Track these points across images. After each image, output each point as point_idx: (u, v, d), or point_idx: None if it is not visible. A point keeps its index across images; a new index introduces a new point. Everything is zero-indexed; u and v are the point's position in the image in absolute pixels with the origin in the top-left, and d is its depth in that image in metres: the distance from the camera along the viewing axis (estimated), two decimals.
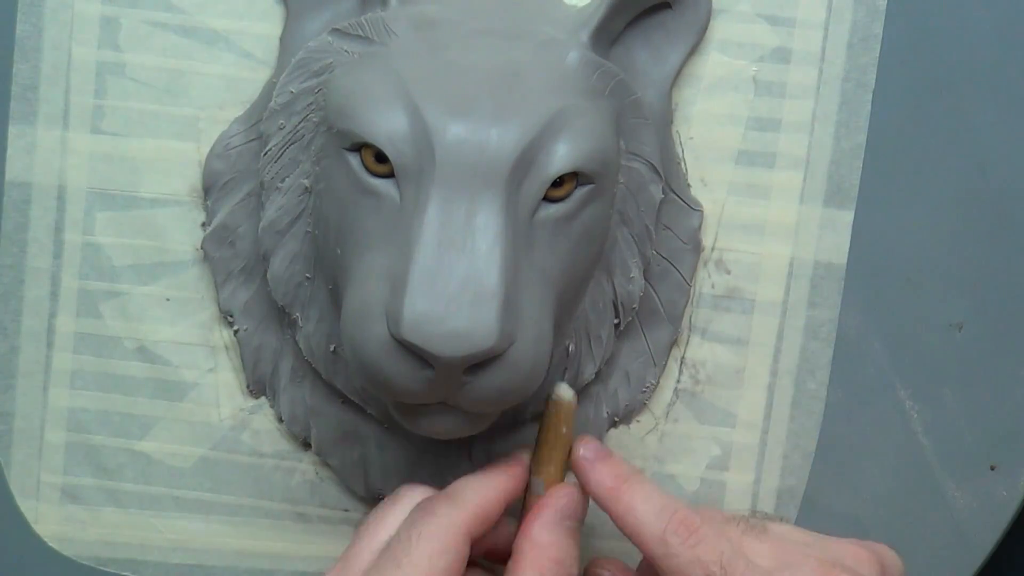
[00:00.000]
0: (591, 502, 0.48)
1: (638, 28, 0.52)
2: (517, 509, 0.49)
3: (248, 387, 0.55)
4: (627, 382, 0.55)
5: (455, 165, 0.45)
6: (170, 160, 0.54)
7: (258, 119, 0.52)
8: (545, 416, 0.49)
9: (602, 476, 0.47)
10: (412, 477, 0.54)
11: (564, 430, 0.49)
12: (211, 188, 0.53)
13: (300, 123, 0.51)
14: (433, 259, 0.44)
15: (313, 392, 0.54)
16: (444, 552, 0.44)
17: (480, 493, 0.46)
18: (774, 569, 0.45)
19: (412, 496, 0.47)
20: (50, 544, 0.55)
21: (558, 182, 0.47)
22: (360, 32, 0.49)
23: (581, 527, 0.48)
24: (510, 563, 0.46)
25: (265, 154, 0.51)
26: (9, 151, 0.53)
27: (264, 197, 0.52)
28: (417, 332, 0.43)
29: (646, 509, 0.46)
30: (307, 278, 0.52)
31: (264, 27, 0.53)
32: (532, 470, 0.49)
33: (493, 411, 0.48)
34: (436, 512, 0.45)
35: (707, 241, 0.55)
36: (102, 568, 0.56)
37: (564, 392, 0.49)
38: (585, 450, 0.48)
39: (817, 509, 0.56)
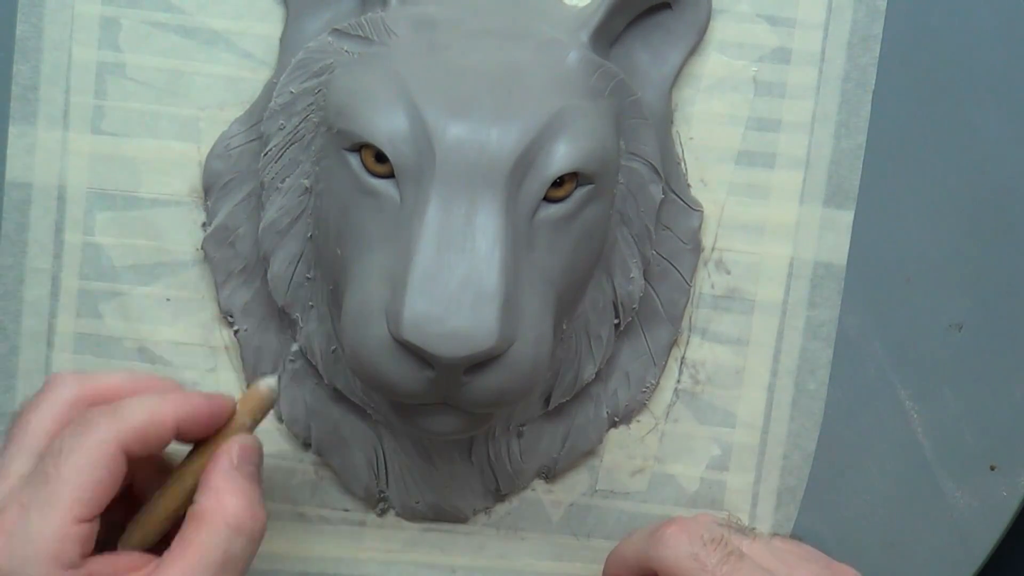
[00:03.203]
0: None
1: (638, 28, 0.52)
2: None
3: (248, 387, 0.55)
4: (627, 382, 0.55)
5: (455, 165, 0.45)
6: (170, 160, 0.54)
7: (258, 119, 0.52)
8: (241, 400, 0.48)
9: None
10: (412, 478, 0.54)
11: (245, 421, 0.47)
12: (211, 188, 0.53)
13: (300, 123, 0.51)
14: (433, 259, 0.44)
15: (313, 392, 0.54)
16: (94, 467, 0.43)
17: (147, 412, 0.44)
18: None
19: (60, 391, 0.46)
20: None
21: (558, 182, 0.47)
22: (360, 32, 0.49)
23: (260, 472, 0.47)
24: (190, 510, 0.45)
25: (265, 154, 0.51)
26: (9, 151, 0.53)
27: (264, 197, 0.52)
28: (417, 332, 0.43)
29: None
30: (307, 278, 0.52)
31: (264, 27, 0.53)
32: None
33: (493, 411, 0.48)
34: (92, 423, 0.44)
35: (707, 241, 0.55)
36: None
37: (268, 383, 0.47)
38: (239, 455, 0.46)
39: (817, 509, 0.56)
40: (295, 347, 0.53)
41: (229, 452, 0.46)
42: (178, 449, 0.47)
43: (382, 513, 0.56)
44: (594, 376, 0.54)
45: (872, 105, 0.54)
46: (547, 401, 0.54)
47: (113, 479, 0.43)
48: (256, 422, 0.47)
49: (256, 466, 0.47)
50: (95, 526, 0.43)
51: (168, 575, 0.43)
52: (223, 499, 0.44)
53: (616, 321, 0.53)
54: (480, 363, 0.44)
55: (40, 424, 0.45)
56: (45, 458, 0.43)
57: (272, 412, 0.55)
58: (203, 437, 0.46)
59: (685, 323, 0.55)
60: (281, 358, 0.54)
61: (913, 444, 0.56)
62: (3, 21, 0.53)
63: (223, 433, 0.46)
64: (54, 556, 0.42)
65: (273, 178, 0.51)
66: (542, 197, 0.47)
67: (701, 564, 0.49)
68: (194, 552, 0.44)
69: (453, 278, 0.44)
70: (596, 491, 0.56)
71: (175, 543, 0.44)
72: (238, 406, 0.47)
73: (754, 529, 0.54)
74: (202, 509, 0.44)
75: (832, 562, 0.52)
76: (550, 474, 0.56)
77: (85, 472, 0.43)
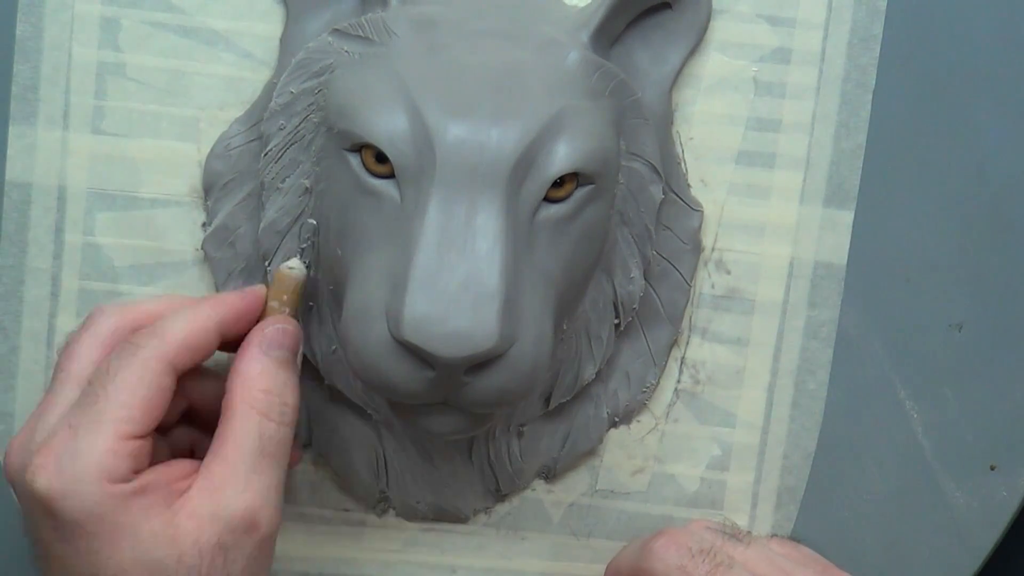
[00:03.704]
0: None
1: (638, 28, 0.52)
2: None
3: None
4: (627, 382, 0.55)
5: (455, 166, 0.45)
6: (170, 160, 0.54)
7: (258, 120, 0.52)
8: (270, 288, 0.48)
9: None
10: (412, 478, 0.54)
11: (275, 304, 0.48)
12: (211, 188, 0.53)
13: (300, 124, 0.51)
14: (434, 260, 0.44)
15: (313, 393, 0.54)
16: (143, 384, 0.43)
17: (187, 323, 0.45)
18: None
19: (102, 320, 0.46)
20: None
21: (558, 182, 0.47)
22: (360, 32, 0.49)
23: (295, 357, 0.47)
24: (224, 400, 0.45)
25: (265, 154, 0.51)
26: (9, 151, 0.53)
27: (264, 198, 0.52)
28: (417, 333, 0.43)
29: None
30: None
31: (264, 27, 0.53)
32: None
33: (494, 411, 0.48)
34: (138, 344, 0.44)
35: (707, 241, 0.55)
36: None
37: (291, 263, 0.48)
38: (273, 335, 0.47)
39: (817, 509, 0.56)
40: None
41: (259, 335, 0.46)
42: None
43: (382, 513, 0.56)
44: (594, 376, 0.54)
45: (872, 105, 0.54)
46: (547, 401, 0.54)
47: (161, 395, 0.44)
48: (291, 305, 0.48)
49: (289, 349, 0.47)
50: (147, 443, 0.44)
51: (211, 474, 0.44)
52: (250, 386, 0.45)
53: (616, 321, 0.53)
54: (480, 363, 0.44)
55: (85, 353, 0.45)
56: (92, 382, 0.44)
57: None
58: (245, 334, 0.47)
59: (685, 323, 0.55)
60: None
61: (913, 444, 0.56)
62: (3, 21, 0.53)
63: (258, 323, 0.47)
64: (103, 471, 0.42)
65: (273, 178, 0.51)
66: (542, 197, 0.47)
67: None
68: (230, 447, 0.44)
69: (453, 278, 0.44)
70: (596, 491, 0.56)
71: (213, 440, 0.45)
72: (268, 294, 0.48)
73: (749, 533, 0.54)
74: (230, 398, 0.45)
75: (829, 566, 0.52)
76: (550, 474, 0.56)
77: (131, 390, 0.43)
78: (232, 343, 0.47)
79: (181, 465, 0.45)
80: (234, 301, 0.47)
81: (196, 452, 0.48)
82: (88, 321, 0.47)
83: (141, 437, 0.43)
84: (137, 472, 0.43)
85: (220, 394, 0.46)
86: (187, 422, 0.49)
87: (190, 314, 0.46)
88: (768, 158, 0.54)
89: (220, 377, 0.48)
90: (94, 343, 0.46)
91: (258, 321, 0.48)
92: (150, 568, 0.42)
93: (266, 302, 0.48)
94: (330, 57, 0.50)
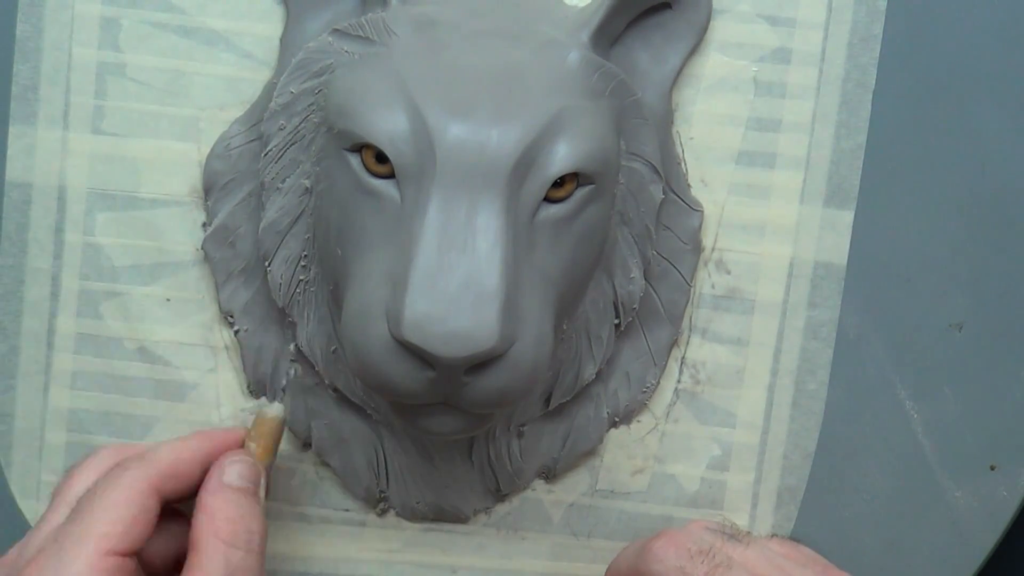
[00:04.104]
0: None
1: (638, 28, 0.52)
2: None
3: (248, 387, 0.55)
4: (627, 382, 0.55)
5: (456, 166, 0.45)
6: (170, 160, 0.54)
7: (258, 120, 0.52)
8: (251, 428, 0.49)
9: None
10: (412, 478, 0.55)
11: (253, 446, 0.49)
12: (211, 188, 0.53)
13: (301, 124, 0.51)
14: (434, 260, 0.44)
15: (313, 392, 0.54)
16: (127, 504, 0.44)
17: (173, 452, 0.47)
18: None
19: (106, 453, 0.48)
20: None
21: (559, 183, 0.47)
22: (360, 33, 0.49)
23: (258, 487, 0.48)
24: (191, 533, 0.46)
25: (265, 155, 0.51)
26: (9, 151, 0.53)
27: (264, 198, 0.52)
28: (418, 333, 0.43)
29: None
30: (307, 279, 0.52)
31: (264, 28, 0.53)
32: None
33: (494, 411, 0.48)
34: (125, 467, 0.46)
35: (707, 241, 0.55)
36: None
37: (274, 409, 0.50)
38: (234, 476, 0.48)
39: (817, 509, 0.56)
40: (294, 347, 0.53)
41: (219, 469, 0.47)
42: None
43: (382, 513, 0.56)
44: (594, 376, 0.54)
45: (872, 105, 0.54)
46: (547, 401, 0.54)
47: (145, 516, 0.45)
48: (265, 448, 0.49)
49: (251, 481, 0.47)
50: (130, 562, 0.44)
51: None
52: (213, 516, 0.46)
53: (616, 321, 0.53)
54: (481, 363, 0.44)
55: (82, 480, 0.47)
56: (81, 500, 0.45)
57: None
58: None
59: (685, 323, 0.55)
60: (281, 358, 0.54)
61: (913, 444, 0.56)
62: (3, 21, 0.53)
63: (219, 460, 0.48)
64: None
65: (273, 178, 0.51)
66: (542, 197, 0.47)
67: None
68: None
69: (454, 278, 0.44)
70: (596, 491, 0.56)
71: (183, 573, 0.45)
72: (247, 435, 0.49)
73: (749, 533, 0.54)
74: (196, 530, 0.46)
75: (829, 566, 0.52)
76: (550, 474, 0.56)
77: (116, 508, 0.44)
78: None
79: None
80: (222, 437, 0.48)
81: None
82: (92, 454, 0.48)
83: (123, 555, 0.44)
84: None
85: None
86: None
87: (177, 444, 0.47)
88: (768, 158, 0.54)
89: None
90: (92, 473, 0.47)
91: None
92: None
93: (244, 442, 0.49)
94: (330, 57, 0.50)
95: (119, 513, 0.44)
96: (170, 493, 0.46)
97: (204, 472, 0.47)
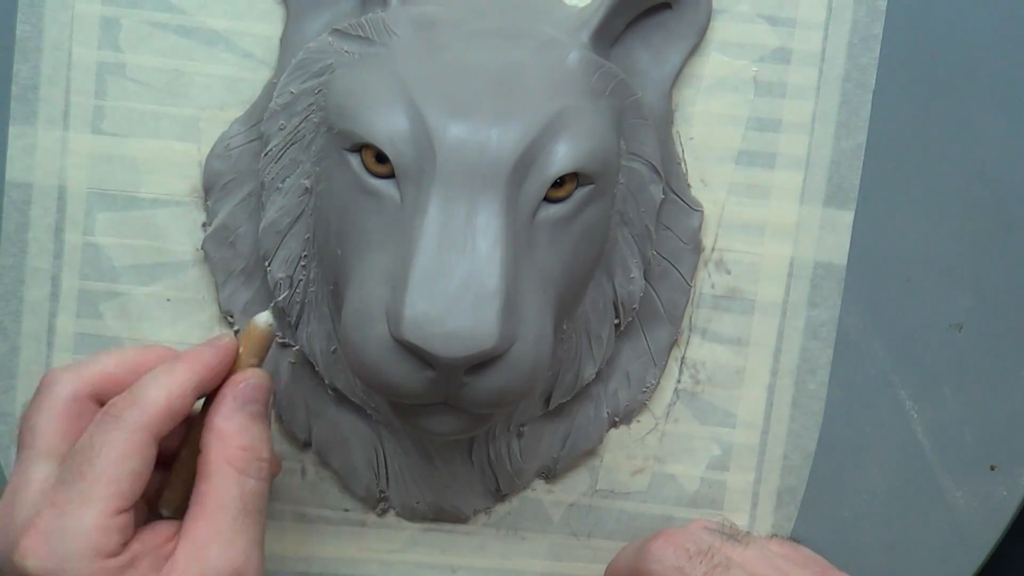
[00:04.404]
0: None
1: (638, 28, 0.52)
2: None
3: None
4: (627, 382, 0.55)
5: (456, 165, 0.45)
6: (170, 160, 0.54)
7: (258, 120, 0.52)
8: (241, 343, 0.48)
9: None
10: (412, 478, 0.54)
11: (252, 361, 0.47)
12: (211, 188, 0.53)
13: (300, 124, 0.51)
14: (434, 260, 0.44)
15: (313, 392, 0.54)
16: (128, 457, 0.43)
17: (166, 389, 0.45)
18: None
19: (56, 389, 0.45)
20: None
21: (558, 182, 0.47)
22: (360, 33, 0.49)
23: (267, 410, 0.47)
24: (199, 459, 0.45)
25: (265, 154, 0.51)
26: (9, 151, 0.53)
27: (264, 197, 0.52)
28: (418, 333, 0.43)
29: None
30: (307, 279, 0.52)
31: (264, 27, 0.53)
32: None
33: (494, 411, 0.48)
34: (118, 416, 0.44)
35: (707, 241, 0.55)
36: None
37: (262, 318, 0.48)
38: (241, 390, 0.46)
39: (817, 509, 0.56)
40: (295, 347, 0.53)
41: (232, 391, 0.46)
42: None
43: (382, 513, 0.56)
44: (594, 376, 0.54)
45: (872, 105, 0.54)
46: (547, 401, 0.54)
47: (147, 465, 0.44)
48: (261, 359, 0.48)
49: (261, 403, 0.46)
50: (133, 514, 0.44)
51: (195, 535, 0.44)
52: (226, 443, 0.45)
53: (616, 321, 0.53)
54: (481, 363, 0.44)
55: (48, 425, 0.45)
56: (75, 456, 0.44)
57: (272, 412, 0.55)
58: (217, 387, 0.47)
59: (685, 323, 0.55)
60: (281, 358, 0.54)
61: (913, 444, 0.56)
62: (3, 21, 0.53)
63: (231, 377, 0.47)
64: (94, 549, 0.42)
65: (273, 178, 0.51)
66: (542, 197, 0.47)
67: None
68: (212, 507, 0.44)
69: (454, 278, 0.44)
70: (596, 491, 0.56)
71: (192, 501, 0.45)
72: (240, 347, 0.47)
73: (748, 533, 0.54)
74: (207, 457, 0.45)
75: (828, 567, 0.52)
76: (550, 474, 0.56)
77: (119, 464, 0.43)
78: (202, 395, 0.47)
79: (163, 528, 0.45)
80: (209, 359, 0.46)
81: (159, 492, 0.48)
82: (42, 389, 0.46)
83: (127, 510, 0.43)
84: (125, 544, 0.43)
85: (181, 435, 0.47)
86: None
87: (166, 379, 0.45)
88: (768, 158, 0.54)
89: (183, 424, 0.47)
90: (53, 414, 0.45)
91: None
92: None
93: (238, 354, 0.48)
94: (330, 57, 0.50)
95: (123, 470, 0.43)
96: (165, 432, 0.45)
97: (195, 400, 0.46)
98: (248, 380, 0.46)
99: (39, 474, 0.44)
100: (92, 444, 0.44)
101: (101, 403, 0.45)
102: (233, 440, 0.45)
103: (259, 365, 0.48)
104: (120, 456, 0.43)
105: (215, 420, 0.45)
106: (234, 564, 0.44)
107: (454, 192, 0.45)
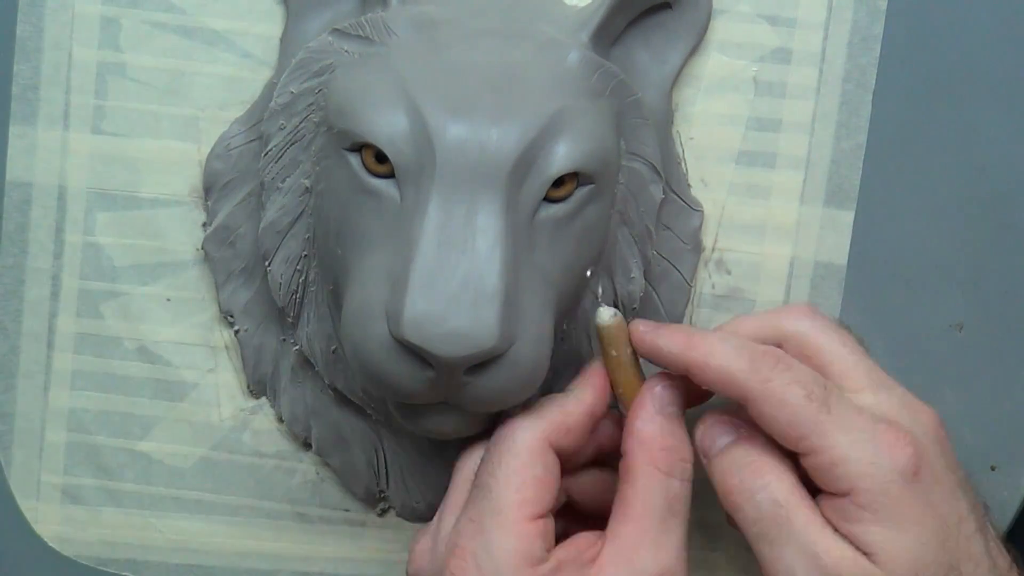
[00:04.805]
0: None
1: (638, 28, 0.52)
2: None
3: (248, 387, 0.55)
4: None
5: (455, 165, 0.45)
6: (170, 160, 0.54)
7: (258, 119, 0.52)
8: (600, 345, 0.49)
9: (671, 337, 0.47)
10: (412, 478, 0.54)
11: (614, 353, 0.48)
12: (212, 188, 0.53)
13: (301, 123, 0.51)
14: (434, 259, 0.44)
15: (313, 392, 0.54)
16: (529, 466, 0.44)
17: (559, 405, 0.46)
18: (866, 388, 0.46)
19: (520, 435, 0.47)
20: (50, 544, 0.55)
21: (558, 182, 0.47)
22: (361, 32, 0.49)
23: (683, 411, 0.47)
24: (621, 463, 0.46)
25: (265, 154, 0.51)
26: (9, 151, 0.53)
27: (264, 197, 0.52)
28: (417, 332, 0.43)
29: (725, 349, 0.45)
30: (307, 279, 0.52)
31: (264, 27, 0.53)
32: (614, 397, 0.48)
33: (494, 411, 0.48)
34: (515, 427, 0.45)
35: (707, 241, 0.55)
36: (102, 568, 0.56)
37: (603, 316, 0.48)
38: (643, 327, 0.47)
39: None
40: (295, 347, 0.53)
41: (650, 394, 0.46)
42: None
43: (382, 513, 0.56)
44: None
45: (872, 105, 0.54)
46: None
47: (549, 474, 0.45)
48: (633, 349, 0.48)
49: (678, 404, 0.47)
50: (549, 523, 0.44)
51: (621, 538, 0.44)
52: (648, 445, 0.45)
53: None
54: (481, 363, 0.44)
55: (473, 460, 0.47)
56: (480, 474, 0.45)
57: (272, 412, 0.55)
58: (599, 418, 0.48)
59: (685, 323, 0.55)
60: (281, 358, 0.54)
61: None
62: (3, 21, 0.53)
63: (646, 383, 0.47)
64: (521, 557, 0.43)
65: (273, 178, 0.51)
66: (542, 197, 0.47)
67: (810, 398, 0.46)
68: (638, 508, 0.44)
69: (454, 278, 0.44)
70: None
71: (616, 505, 0.45)
72: (610, 351, 0.48)
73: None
74: (630, 459, 0.45)
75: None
76: None
77: (521, 472, 0.44)
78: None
79: (583, 537, 0.45)
80: (595, 383, 0.48)
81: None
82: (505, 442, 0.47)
83: (543, 516, 0.44)
84: (548, 550, 0.44)
85: (597, 487, 0.48)
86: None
87: (561, 397, 0.47)
88: (768, 158, 0.54)
89: (597, 473, 0.49)
90: (480, 449, 0.47)
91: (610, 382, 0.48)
92: None
93: (605, 364, 0.48)
94: (330, 57, 0.50)
95: (526, 476, 0.44)
96: (563, 444, 0.46)
97: (590, 423, 0.47)
98: (663, 382, 0.47)
99: (459, 499, 0.46)
100: (492, 459, 0.45)
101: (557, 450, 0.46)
102: (656, 442, 0.45)
103: (634, 355, 0.48)
104: (521, 464, 0.44)
105: (635, 423, 0.46)
106: (663, 566, 0.44)
107: (454, 192, 0.45)
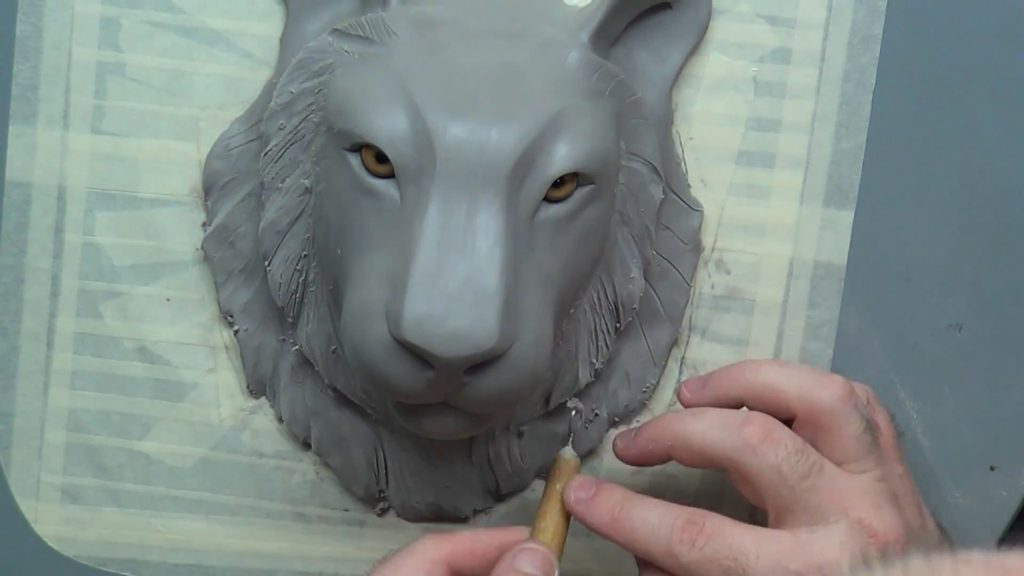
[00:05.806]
0: None
1: (638, 28, 0.52)
2: None
3: (248, 387, 0.55)
4: (627, 382, 0.55)
5: (455, 165, 0.45)
6: (170, 160, 0.54)
7: (258, 119, 0.52)
8: (548, 474, 0.49)
9: (599, 513, 0.47)
10: (412, 478, 0.55)
11: (558, 486, 0.48)
12: (211, 188, 0.53)
13: (300, 123, 0.51)
14: (434, 259, 0.44)
15: (313, 392, 0.54)
16: (418, 570, 0.44)
17: (470, 534, 0.46)
18: (787, 551, 0.45)
19: (421, 547, 0.47)
20: (50, 544, 0.55)
21: (558, 182, 0.47)
22: (360, 32, 0.49)
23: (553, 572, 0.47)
24: None
25: (265, 154, 0.51)
26: (9, 151, 0.53)
27: (264, 197, 0.52)
28: (417, 332, 0.43)
29: (645, 531, 0.46)
30: (307, 279, 0.52)
31: (264, 27, 0.53)
32: (532, 528, 0.48)
33: (494, 412, 0.48)
34: (421, 541, 0.46)
35: (707, 241, 0.55)
36: (102, 568, 0.56)
37: (565, 453, 0.49)
38: (577, 492, 0.48)
39: None
40: (295, 347, 0.53)
41: (510, 554, 0.46)
42: None
43: (382, 513, 0.56)
44: (594, 376, 0.54)
45: (872, 105, 0.54)
46: (547, 401, 0.54)
47: None
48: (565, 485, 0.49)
49: (544, 572, 0.46)
50: None
51: None
52: None
53: (616, 321, 0.53)
54: (481, 363, 0.44)
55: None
56: (377, 565, 0.45)
57: (272, 412, 0.55)
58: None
59: (685, 323, 0.55)
60: (281, 358, 0.54)
61: (913, 444, 0.56)
62: (3, 21, 0.53)
63: (545, 499, 0.48)
64: None
65: (273, 178, 0.51)
66: (542, 197, 0.47)
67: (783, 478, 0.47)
68: None
69: (453, 278, 0.44)
70: None
71: None
72: (556, 483, 0.48)
73: None
74: None
75: None
76: None
77: (406, 573, 0.44)
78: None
79: None
80: (512, 532, 0.47)
81: None
82: (405, 548, 0.47)
83: None
84: None
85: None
86: None
87: (474, 530, 0.48)
88: (768, 158, 0.54)
89: None
90: (410, 566, 0.46)
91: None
92: None
93: (545, 490, 0.49)
94: (330, 57, 0.50)
95: None
96: (463, 568, 0.45)
97: (498, 550, 0.46)
98: (528, 545, 0.46)
99: None
100: (391, 559, 0.45)
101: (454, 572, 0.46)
102: None
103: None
104: (410, 569, 0.44)
105: None
106: None
107: (454, 192, 0.45)
